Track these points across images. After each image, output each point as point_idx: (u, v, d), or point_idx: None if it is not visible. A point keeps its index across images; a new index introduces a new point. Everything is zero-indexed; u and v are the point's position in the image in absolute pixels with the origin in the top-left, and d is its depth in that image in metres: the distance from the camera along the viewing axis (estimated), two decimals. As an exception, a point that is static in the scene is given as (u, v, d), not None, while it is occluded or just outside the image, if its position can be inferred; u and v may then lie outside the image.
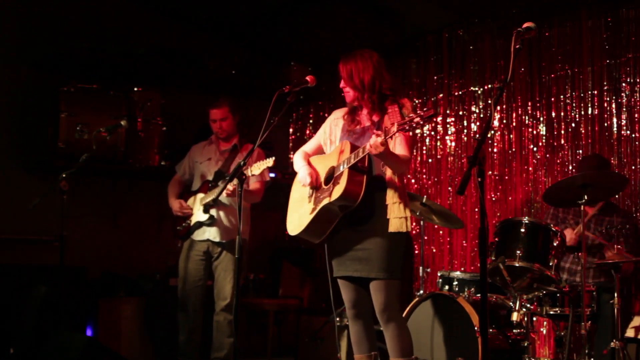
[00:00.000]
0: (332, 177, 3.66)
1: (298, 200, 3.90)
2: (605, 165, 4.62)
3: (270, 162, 4.25)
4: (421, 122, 3.21)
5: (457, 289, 4.62)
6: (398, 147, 3.61)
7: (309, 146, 4.01)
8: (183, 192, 5.24)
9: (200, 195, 5.05)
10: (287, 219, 3.93)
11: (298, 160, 3.94)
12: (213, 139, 5.23)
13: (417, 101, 6.15)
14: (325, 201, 3.60)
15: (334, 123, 3.89)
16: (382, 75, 3.66)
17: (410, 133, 3.53)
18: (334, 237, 3.75)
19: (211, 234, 4.98)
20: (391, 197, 3.59)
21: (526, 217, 4.26)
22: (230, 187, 4.44)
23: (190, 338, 5.03)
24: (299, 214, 3.83)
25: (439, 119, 5.97)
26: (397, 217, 3.57)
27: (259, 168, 4.40)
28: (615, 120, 5.00)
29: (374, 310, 3.68)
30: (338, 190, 3.54)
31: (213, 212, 4.96)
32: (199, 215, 5.00)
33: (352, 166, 3.52)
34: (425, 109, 3.20)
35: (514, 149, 5.51)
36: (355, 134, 3.73)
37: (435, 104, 6.02)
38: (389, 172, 3.60)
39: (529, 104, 5.44)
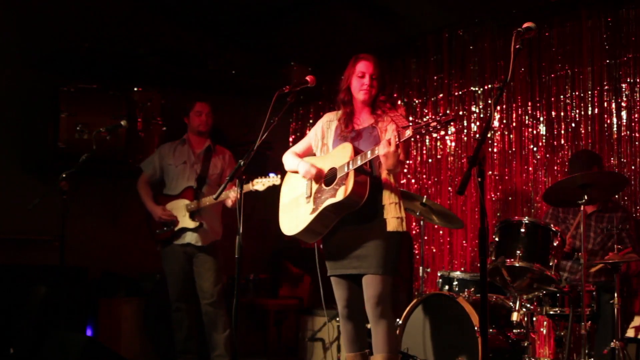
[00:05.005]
0: (333, 178, 3.67)
1: (292, 201, 3.93)
2: (594, 159, 4.61)
3: (277, 180, 4.25)
4: (438, 127, 3.15)
5: (457, 289, 4.62)
6: None
7: (298, 147, 4.04)
8: (155, 193, 5.21)
9: (184, 202, 5.06)
10: (281, 220, 3.97)
11: (291, 159, 3.96)
12: (186, 139, 5.24)
13: (417, 101, 6.15)
14: (330, 201, 3.63)
15: (327, 126, 3.93)
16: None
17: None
18: (330, 237, 3.79)
19: (192, 238, 5.03)
20: (388, 197, 3.65)
21: (526, 217, 4.26)
22: (232, 194, 4.70)
23: (190, 335, 5.06)
24: (295, 214, 3.85)
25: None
26: (394, 217, 3.62)
27: (264, 185, 4.47)
28: (615, 120, 4.99)
29: (365, 308, 3.71)
30: (344, 191, 3.56)
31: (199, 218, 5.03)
32: (185, 222, 5.02)
33: (357, 168, 3.55)
34: (442, 114, 3.10)
35: (514, 149, 5.50)
36: (349, 137, 3.76)
37: (436, 104, 6.01)
38: (384, 174, 3.65)
39: (529, 104, 5.44)
